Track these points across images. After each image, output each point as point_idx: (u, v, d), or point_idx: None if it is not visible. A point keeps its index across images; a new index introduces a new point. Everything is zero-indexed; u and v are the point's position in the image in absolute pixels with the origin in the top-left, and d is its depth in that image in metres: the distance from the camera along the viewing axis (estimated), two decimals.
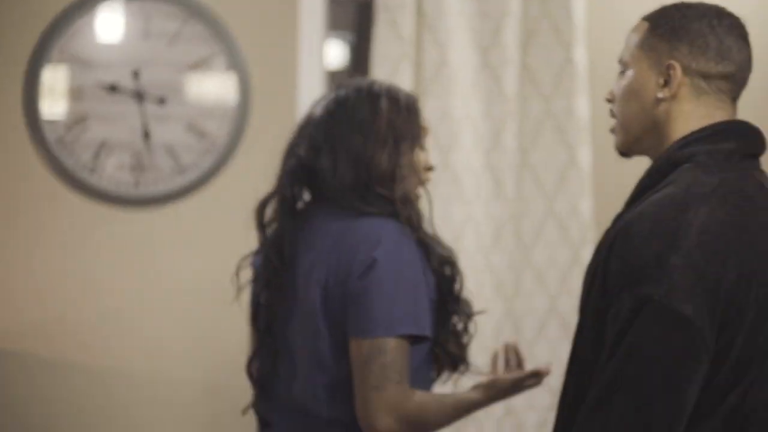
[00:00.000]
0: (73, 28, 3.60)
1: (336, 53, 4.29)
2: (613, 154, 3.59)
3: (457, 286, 2.05)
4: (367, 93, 2.08)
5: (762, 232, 1.60)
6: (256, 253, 2.23)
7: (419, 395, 1.89)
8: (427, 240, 2.04)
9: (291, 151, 2.18)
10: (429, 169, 2.24)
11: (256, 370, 2.16)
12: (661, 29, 1.77)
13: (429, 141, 3.65)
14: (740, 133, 1.71)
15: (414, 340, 1.88)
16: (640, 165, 1.86)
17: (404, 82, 3.64)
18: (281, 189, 2.17)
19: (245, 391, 3.69)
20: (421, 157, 2.20)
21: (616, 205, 1.87)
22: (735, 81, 1.73)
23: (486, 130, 3.81)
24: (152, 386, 3.72)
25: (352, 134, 2.03)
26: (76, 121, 3.64)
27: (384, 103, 2.07)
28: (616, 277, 1.57)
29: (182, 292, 3.73)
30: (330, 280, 1.92)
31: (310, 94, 3.74)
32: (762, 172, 1.73)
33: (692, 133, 1.70)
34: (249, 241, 3.70)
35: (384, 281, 1.84)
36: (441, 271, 2.02)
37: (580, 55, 3.84)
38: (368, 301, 1.84)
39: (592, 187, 3.86)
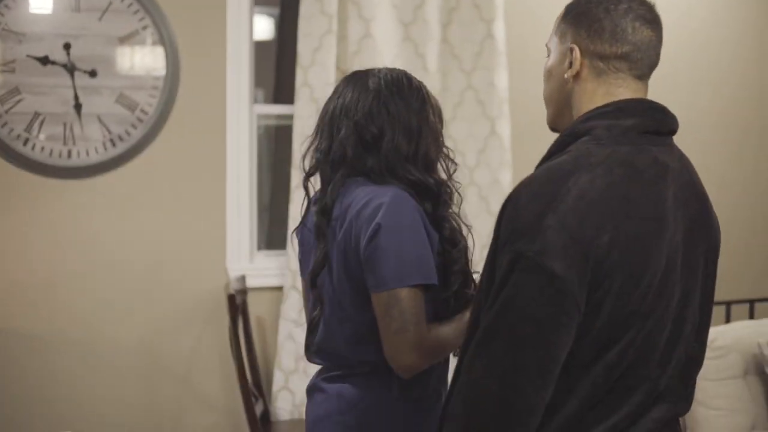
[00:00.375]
0: (6, 1, 3.68)
1: (264, 27, 4.41)
2: (531, 126, 3.77)
3: (460, 246, 2.26)
4: (416, 83, 2.23)
5: (643, 203, 1.69)
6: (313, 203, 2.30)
7: (435, 329, 2.13)
8: (446, 215, 2.24)
9: (344, 115, 2.19)
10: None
11: (307, 315, 2.35)
12: (569, 16, 1.88)
13: None
14: (640, 111, 1.79)
15: (425, 288, 2.10)
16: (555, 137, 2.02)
17: (329, 56, 3.80)
18: (338, 148, 2.18)
19: (179, 354, 3.84)
20: None
21: None
22: (633, 60, 1.80)
23: None
24: (87, 351, 3.80)
25: (410, 115, 2.15)
26: (9, 92, 3.71)
27: (430, 99, 2.24)
28: (503, 235, 1.71)
29: (114, 259, 3.82)
30: (348, 246, 2.11)
31: (237, 67, 3.90)
32: (668, 148, 1.80)
33: (595, 109, 1.81)
34: (178, 209, 3.84)
35: (390, 243, 2.05)
36: (448, 236, 2.21)
37: (500, 30, 3.99)
38: (379, 261, 2.05)
39: (511, 157, 4.04)
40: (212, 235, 3.89)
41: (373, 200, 2.08)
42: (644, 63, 1.82)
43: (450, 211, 2.26)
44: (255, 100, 4.04)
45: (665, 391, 1.76)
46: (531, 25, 4.23)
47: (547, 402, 1.66)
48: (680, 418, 1.88)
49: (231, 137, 3.90)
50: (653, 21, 1.83)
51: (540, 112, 4.04)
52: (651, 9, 1.85)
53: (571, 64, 1.83)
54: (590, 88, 1.83)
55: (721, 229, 1.89)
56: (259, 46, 4.33)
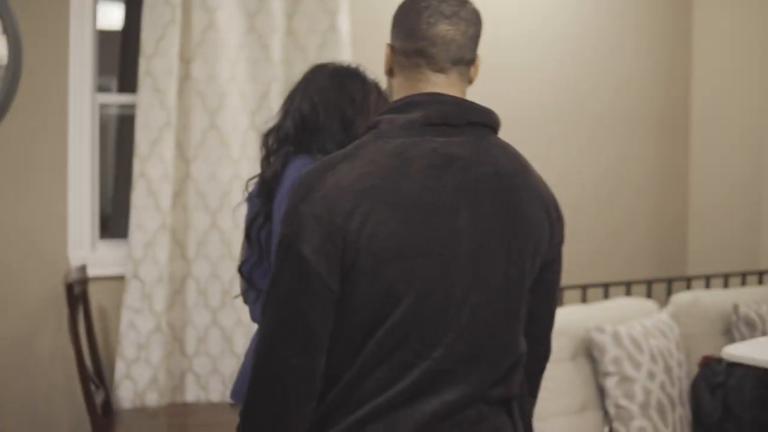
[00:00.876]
0: None
1: (111, 15, 4.43)
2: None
3: None
4: (360, 74, 2.64)
5: (408, 191, 1.78)
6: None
7: None
8: None
9: (294, 106, 2.59)
10: None
11: (246, 269, 2.56)
12: (393, 19, 2.02)
13: (197, 102, 3.87)
14: (427, 104, 1.86)
15: None
16: None
17: (172, 46, 3.82)
18: (284, 133, 2.59)
19: (20, 344, 3.83)
20: None
21: None
22: (429, 55, 1.87)
23: (252, 93, 4.00)
24: None
25: (345, 105, 2.53)
26: None
27: (370, 85, 2.61)
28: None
29: None
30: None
31: (80, 56, 3.89)
32: (465, 139, 1.86)
33: (392, 103, 1.93)
34: (20, 197, 3.84)
35: None
36: None
37: (344, 22, 4.05)
38: None
39: None
40: (53, 224, 3.87)
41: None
42: (442, 57, 1.89)
43: None
44: (100, 89, 4.04)
45: (458, 375, 1.83)
46: (375, 17, 4.31)
47: (330, 372, 1.80)
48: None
49: (73, 126, 3.89)
50: (454, 15, 1.90)
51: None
52: (454, 5, 1.91)
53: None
54: (398, 84, 1.94)
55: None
56: (111, 36, 4.36)
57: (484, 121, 1.92)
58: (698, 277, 4.59)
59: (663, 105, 5.10)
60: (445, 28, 1.88)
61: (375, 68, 4.23)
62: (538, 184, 1.95)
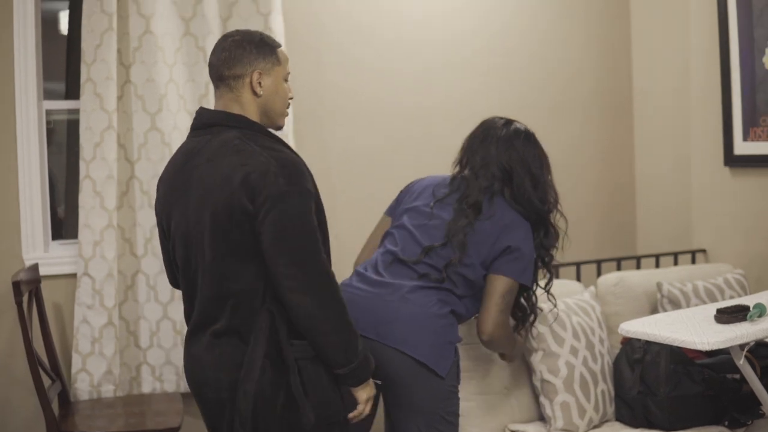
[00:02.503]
0: None
1: (57, 20, 4.67)
2: (309, 117, 4.14)
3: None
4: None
5: (175, 179, 2.68)
6: None
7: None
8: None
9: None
10: None
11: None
12: None
13: (137, 105, 4.13)
14: (196, 114, 2.72)
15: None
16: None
17: (110, 52, 4.04)
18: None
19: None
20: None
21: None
22: (213, 75, 2.69)
23: (191, 94, 4.24)
24: None
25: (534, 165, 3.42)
26: None
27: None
28: None
29: None
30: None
31: (24, 63, 4.08)
32: (208, 137, 2.63)
33: None
34: None
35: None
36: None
37: (278, 23, 4.26)
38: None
39: (294, 142, 4.40)
40: (7, 227, 4.12)
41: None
42: (213, 77, 2.69)
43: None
44: (53, 94, 4.29)
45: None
46: (307, 18, 4.54)
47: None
48: None
49: (21, 133, 4.10)
50: (218, 47, 2.68)
51: (317, 103, 4.44)
52: (222, 41, 2.69)
53: None
54: None
55: None
56: (60, 41, 4.60)
57: (219, 122, 2.64)
58: (628, 258, 4.80)
59: (608, 92, 5.26)
60: (213, 56, 2.70)
61: (310, 69, 4.51)
62: (235, 162, 2.52)
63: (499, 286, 3.23)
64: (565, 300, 3.92)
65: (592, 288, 4.18)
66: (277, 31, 4.27)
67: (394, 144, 4.76)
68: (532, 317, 3.51)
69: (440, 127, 4.81)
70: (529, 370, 3.87)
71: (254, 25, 4.24)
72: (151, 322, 4.23)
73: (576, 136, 5.19)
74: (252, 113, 2.65)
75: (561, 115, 5.13)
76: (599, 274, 4.56)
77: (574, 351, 3.78)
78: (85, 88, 4.09)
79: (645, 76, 5.23)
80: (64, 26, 4.65)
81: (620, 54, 5.28)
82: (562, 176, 5.07)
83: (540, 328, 3.75)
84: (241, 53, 2.61)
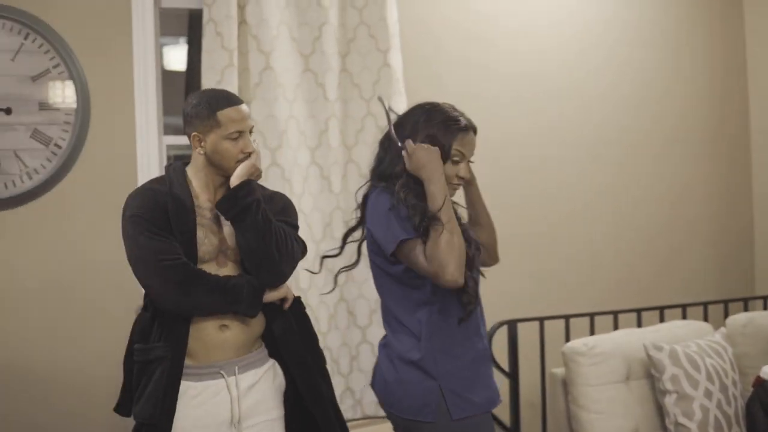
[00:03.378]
0: None
1: (176, 56, 4.80)
2: None
3: None
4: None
5: None
6: None
7: None
8: None
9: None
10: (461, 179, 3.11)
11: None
12: None
13: (259, 141, 4.19)
14: None
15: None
16: None
17: (230, 89, 4.06)
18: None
19: (104, 382, 4.17)
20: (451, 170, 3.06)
21: None
22: None
23: (311, 130, 4.28)
24: (8, 372, 4.08)
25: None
26: None
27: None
28: None
29: (31, 286, 4.09)
30: None
31: (145, 99, 4.18)
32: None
33: None
34: (93, 238, 4.19)
35: None
36: None
37: (396, 60, 4.30)
38: None
39: None
40: (126, 263, 4.23)
41: None
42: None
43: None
44: (166, 131, 4.35)
45: None
46: (424, 53, 4.58)
47: None
48: None
49: (141, 167, 4.19)
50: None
51: None
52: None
53: None
54: None
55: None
56: (178, 76, 4.72)
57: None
58: (756, 298, 4.74)
59: (721, 123, 5.22)
60: None
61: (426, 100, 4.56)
62: None
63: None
64: (697, 341, 3.88)
65: (722, 329, 4.13)
66: (396, 67, 4.31)
67: (505, 184, 4.78)
68: None
69: (552, 152, 4.86)
70: (662, 413, 3.83)
71: (372, 62, 4.31)
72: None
73: (690, 171, 5.14)
74: (197, 164, 3.07)
75: (676, 147, 5.11)
76: (706, 317, 4.53)
77: (708, 394, 3.73)
78: None
79: (763, 112, 5.17)
80: (169, 61, 4.76)
81: (735, 87, 5.24)
82: (679, 212, 5.09)
83: (673, 369, 3.72)
84: (184, 117, 3.04)
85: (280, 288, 3.05)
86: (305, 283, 4.22)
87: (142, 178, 4.20)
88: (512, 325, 4.24)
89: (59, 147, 4.16)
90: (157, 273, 2.90)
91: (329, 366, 4.12)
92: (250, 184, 2.98)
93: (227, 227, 3.03)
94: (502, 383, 4.23)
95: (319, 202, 4.31)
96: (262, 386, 3.08)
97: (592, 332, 4.36)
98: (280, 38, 4.22)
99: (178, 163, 3.14)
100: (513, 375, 4.23)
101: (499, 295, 4.65)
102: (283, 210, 3.13)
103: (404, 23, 4.48)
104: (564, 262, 4.91)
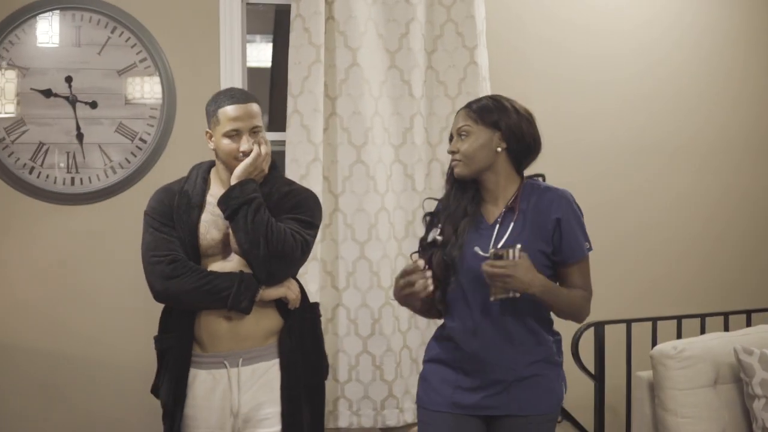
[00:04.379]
0: (10, 37, 4.08)
1: (261, 53, 4.90)
2: None
3: None
4: None
5: None
6: None
7: None
8: None
9: None
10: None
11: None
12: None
13: (342, 137, 4.25)
14: None
15: None
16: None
17: (317, 84, 4.14)
18: None
19: None
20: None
21: None
22: None
23: (396, 128, 4.32)
24: (86, 367, 4.20)
25: None
26: (15, 123, 4.09)
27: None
28: None
29: (114, 280, 4.18)
30: None
31: None
32: None
33: None
34: None
35: None
36: None
37: (482, 57, 4.32)
38: None
39: None
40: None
41: None
42: None
43: None
44: None
45: None
46: (511, 50, 4.60)
47: None
48: None
49: None
50: None
51: None
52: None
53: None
54: None
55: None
56: (262, 73, 4.81)
57: None
58: None
59: None
60: None
61: (513, 97, 4.60)
62: None
63: None
64: None
65: None
66: (482, 65, 4.33)
67: (591, 179, 4.79)
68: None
69: (634, 158, 4.89)
70: (750, 418, 3.87)
71: (459, 59, 4.34)
72: (350, 355, 4.30)
73: (737, 175, 5.15)
74: (216, 158, 3.30)
75: (718, 153, 5.10)
76: (726, 327, 4.54)
77: None
78: (292, 120, 4.20)
79: None
80: (254, 58, 4.85)
81: None
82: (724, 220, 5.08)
83: (763, 374, 3.76)
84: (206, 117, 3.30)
85: (278, 287, 3.18)
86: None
87: None
88: (599, 327, 4.26)
89: (144, 141, 4.24)
90: (148, 268, 3.17)
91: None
92: (244, 185, 3.11)
93: None
94: (587, 386, 4.32)
95: (402, 200, 4.36)
96: (265, 380, 3.22)
97: (678, 335, 4.37)
98: (368, 35, 4.26)
99: (208, 161, 3.36)
100: (599, 377, 4.26)
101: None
102: (295, 206, 3.23)
103: (492, 21, 4.49)
104: (651, 264, 4.92)
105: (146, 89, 4.25)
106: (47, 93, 4.17)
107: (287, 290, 3.19)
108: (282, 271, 3.15)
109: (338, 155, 4.28)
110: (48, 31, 4.18)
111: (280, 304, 3.22)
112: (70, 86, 4.17)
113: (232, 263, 3.19)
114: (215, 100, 3.22)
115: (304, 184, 4.17)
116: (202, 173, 3.30)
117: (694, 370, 3.84)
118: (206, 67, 4.31)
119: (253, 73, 4.51)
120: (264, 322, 3.21)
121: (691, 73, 5.00)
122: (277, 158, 4.44)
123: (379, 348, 4.28)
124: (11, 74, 4.14)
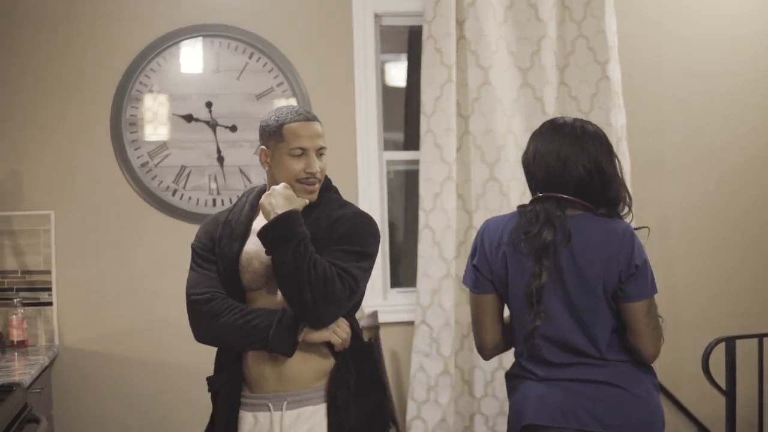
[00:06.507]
0: (152, 64, 4.39)
1: (395, 72, 5.16)
2: (648, 163, 4.40)
3: None
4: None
5: None
6: None
7: None
8: None
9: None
10: None
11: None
12: None
13: (476, 155, 4.48)
14: None
15: None
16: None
17: (449, 104, 4.34)
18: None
19: None
20: None
21: None
22: None
23: None
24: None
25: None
26: (158, 148, 4.40)
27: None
28: None
29: None
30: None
31: (366, 116, 4.48)
32: None
33: None
34: None
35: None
36: None
37: (615, 72, 4.43)
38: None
39: (631, 192, 4.62)
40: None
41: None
42: None
43: None
44: (385, 147, 4.64)
45: None
46: (644, 66, 4.71)
47: None
48: None
49: (362, 182, 4.49)
50: None
51: (657, 150, 4.67)
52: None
53: None
54: None
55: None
56: (397, 92, 5.08)
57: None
58: None
59: None
60: None
61: (648, 115, 4.73)
62: None
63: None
64: None
65: None
66: (614, 79, 4.44)
67: (727, 196, 4.89)
68: None
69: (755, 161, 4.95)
70: None
71: (591, 74, 4.46)
72: (485, 371, 4.46)
73: None
74: (268, 181, 3.03)
75: None
76: None
77: None
78: (425, 139, 4.40)
79: None
80: (390, 77, 5.14)
81: None
82: None
83: None
84: (259, 131, 3.03)
85: (322, 331, 2.89)
86: None
87: (363, 193, 4.51)
88: (730, 342, 4.32)
89: None
90: (187, 307, 2.98)
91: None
92: (283, 220, 2.83)
93: None
94: (718, 401, 4.43)
95: None
96: (310, 425, 2.97)
97: None
98: (499, 53, 4.43)
99: (260, 185, 3.13)
100: (730, 393, 4.32)
101: (717, 311, 4.84)
102: (344, 237, 2.93)
103: (623, 35, 4.61)
104: None
105: None
106: (188, 118, 4.46)
107: (331, 334, 2.89)
108: (328, 315, 2.86)
109: (471, 173, 4.46)
110: (189, 57, 4.46)
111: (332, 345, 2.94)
112: (210, 111, 4.45)
113: (279, 298, 2.93)
114: (277, 116, 2.97)
115: (438, 202, 4.40)
116: (251, 199, 3.07)
117: None
118: (342, 88, 4.54)
119: (388, 93, 4.77)
120: (312, 363, 2.95)
121: None
122: (412, 177, 4.75)
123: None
124: (163, 98, 4.46)
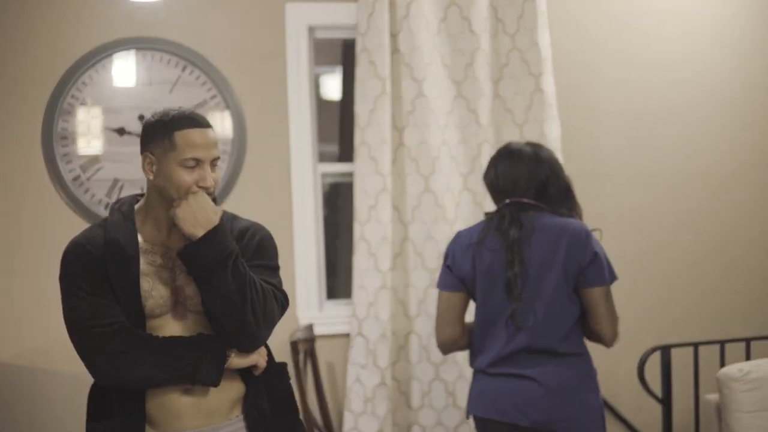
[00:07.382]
0: (84, 78, 4.40)
1: (330, 85, 5.24)
2: (582, 175, 4.52)
3: None
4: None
5: None
6: None
7: None
8: None
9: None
10: None
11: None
12: None
13: (411, 167, 4.59)
14: None
15: None
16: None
17: (384, 116, 4.39)
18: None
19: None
20: None
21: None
22: None
23: (463, 156, 4.53)
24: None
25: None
26: (90, 161, 4.42)
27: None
28: None
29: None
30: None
31: (300, 128, 4.51)
32: None
33: None
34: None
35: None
36: None
37: (548, 84, 4.51)
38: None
39: None
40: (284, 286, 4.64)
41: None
42: None
43: None
44: (320, 159, 4.67)
45: None
46: (577, 77, 4.79)
47: None
48: None
49: (297, 195, 4.52)
50: None
51: (591, 159, 4.78)
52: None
53: None
54: None
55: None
56: (334, 105, 5.17)
57: None
58: None
59: None
60: None
61: (583, 126, 4.83)
62: None
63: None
64: None
65: None
66: (548, 92, 4.52)
67: (662, 205, 4.99)
68: None
69: (700, 173, 5.05)
70: None
71: (525, 87, 4.54)
72: (423, 382, 4.52)
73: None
74: (148, 195, 2.71)
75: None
76: None
77: None
78: (360, 152, 4.45)
79: None
80: (326, 90, 5.23)
81: None
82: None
83: None
84: (141, 134, 2.69)
85: (250, 355, 2.72)
86: None
87: (297, 206, 4.54)
88: (665, 350, 4.41)
89: None
90: (86, 343, 2.61)
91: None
92: (218, 237, 2.58)
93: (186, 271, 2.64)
94: (655, 409, 4.55)
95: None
96: None
97: (748, 357, 4.48)
98: (433, 65, 4.48)
99: (126, 197, 2.80)
100: (666, 401, 4.42)
101: (653, 320, 4.92)
102: (258, 250, 2.75)
103: (556, 47, 4.69)
104: (717, 285, 5.07)
105: (217, 125, 4.49)
106: (121, 131, 4.47)
107: (258, 356, 2.73)
108: (266, 336, 2.71)
109: (407, 185, 4.53)
110: (122, 70, 4.47)
111: (244, 369, 2.75)
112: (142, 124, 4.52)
113: (187, 324, 2.70)
114: (167, 119, 2.64)
115: (373, 214, 4.46)
116: (125, 213, 2.72)
117: (760, 392, 3.96)
118: (275, 100, 4.58)
119: (324, 105, 4.82)
120: (229, 392, 2.74)
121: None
122: (347, 190, 4.84)
123: (451, 374, 4.50)
124: (96, 111, 4.48)
